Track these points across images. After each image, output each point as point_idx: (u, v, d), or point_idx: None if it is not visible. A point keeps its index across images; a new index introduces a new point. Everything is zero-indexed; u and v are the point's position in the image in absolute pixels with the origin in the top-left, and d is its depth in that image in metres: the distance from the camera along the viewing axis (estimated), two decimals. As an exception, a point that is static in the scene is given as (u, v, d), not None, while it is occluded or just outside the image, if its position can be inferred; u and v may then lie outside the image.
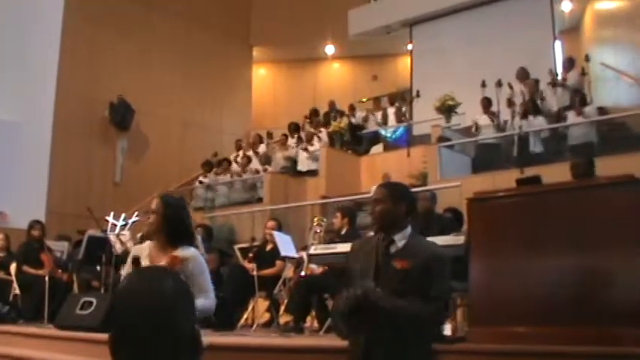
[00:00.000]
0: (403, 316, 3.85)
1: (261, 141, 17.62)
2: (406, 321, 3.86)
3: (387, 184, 4.39)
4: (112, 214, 9.88)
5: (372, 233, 4.26)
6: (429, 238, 5.57)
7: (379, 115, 17.26)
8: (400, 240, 4.06)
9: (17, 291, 11.02)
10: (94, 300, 8.69)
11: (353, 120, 17.21)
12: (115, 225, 9.71)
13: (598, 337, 4.93)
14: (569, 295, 5.23)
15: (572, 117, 12.09)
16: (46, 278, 10.73)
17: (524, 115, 12.72)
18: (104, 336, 4.60)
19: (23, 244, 11.51)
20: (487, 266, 5.69)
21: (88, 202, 13.00)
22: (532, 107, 12.83)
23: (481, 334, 5.45)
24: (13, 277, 11.11)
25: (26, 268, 11.15)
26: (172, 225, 4.68)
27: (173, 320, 4.05)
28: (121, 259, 8.87)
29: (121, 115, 17.25)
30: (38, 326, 9.70)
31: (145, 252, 4.74)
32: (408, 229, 4.12)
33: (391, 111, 17.04)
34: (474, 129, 13.90)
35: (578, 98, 12.16)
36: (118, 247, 9.46)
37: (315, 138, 16.22)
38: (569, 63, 14.21)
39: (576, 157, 8.37)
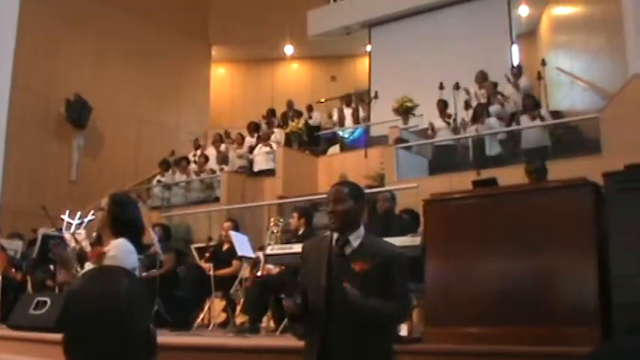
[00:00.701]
0: (378, 316, 3.86)
1: (221, 140, 17.56)
2: (377, 322, 3.87)
3: (345, 183, 4.33)
4: (67, 212, 9.80)
5: (328, 233, 4.23)
6: (388, 239, 5.60)
7: (336, 114, 17.28)
8: (355, 240, 4.02)
9: (-30, 290, 10.87)
10: (48, 300, 8.63)
11: (311, 121, 17.21)
12: (71, 223, 9.63)
13: (548, 337, 5.01)
14: (522, 296, 5.30)
15: (525, 121, 12.20)
16: (-1, 277, 10.62)
17: (477, 118, 12.80)
18: (58, 336, 4.56)
19: (-24, 243, 11.38)
20: (443, 267, 5.74)
21: (42, 200, 12.85)
22: (485, 110, 12.92)
23: (437, 334, 5.50)
24: (-34, 276, 10.97)
25: (-22, 268, 11.02)
26: (118, 222, 4.65)
27: (127, 320, 4.03)
28: (78, 258, 8.79)
29: (78, 113, 17.08)
30: (-9, 326, 9.58)
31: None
32: (362, 229, 4.08)
33: (349, 112, 17.08)
34: (429, 131, 13.98)
35: (531, 102, 12.26)
36: (73, 246, 9.38)
37: (273, 138, 16.19)
38: (518, 69, 14.34)
39: (530, 160, 8.44)
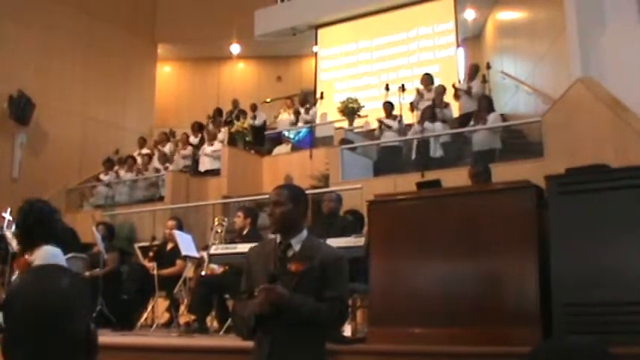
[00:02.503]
0: (306, 312, 3.87)
1: (167, 139, 17.47)
2: (306, 319, 3.89)
3: (286, 186, 4.36)
4: (9, 210, 9.68)
5: (272, 235, 4.25)
6: (331, 240, 5.63)
7: (281, 114, 17.29)
8: (297, 243, 4.05)
9: None
10: (-13, 299, 8.50)
11: (255, 121, 17.18)
12: (12, 222, 9.51)
13: (491, 337, 5.07)
14: (465, 297, 5.36)
15: (473, 123, 12.30)
16: (-63, 276, 10.45)
17: (423, 120, 12.89)
18: (-2, 336, 4.51)
19: None
20: (386, 268, 5.78)
21: (-17, 197, 12.71)
22: (431, 113, 13.01)
23: (380, 334, 5.54)
24: None
25: None
26: (23, 229, 4.66)
27: (67, 320, 3.98)
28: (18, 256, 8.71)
29: (21, 109, 16.85)
30: None
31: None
32: (304, 233, 4.11)
33: (294, 112, 17.08)
34: (377, 131, 14.03)
35: (485, 105, 12.36)
36: (14, 245, 9.27)
37: (218, 137, 16.14)
38: (474, 70, 14.46)
39: (473, 164, 8.54)
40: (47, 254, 4.52)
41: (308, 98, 17.69)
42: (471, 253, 5.44)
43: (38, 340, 3.88)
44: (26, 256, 4.54)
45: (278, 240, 4.10)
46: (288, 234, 4.06)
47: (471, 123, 12.36)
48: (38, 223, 4.69)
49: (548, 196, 5.29)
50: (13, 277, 4.56)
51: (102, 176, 17.07)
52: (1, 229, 9.72)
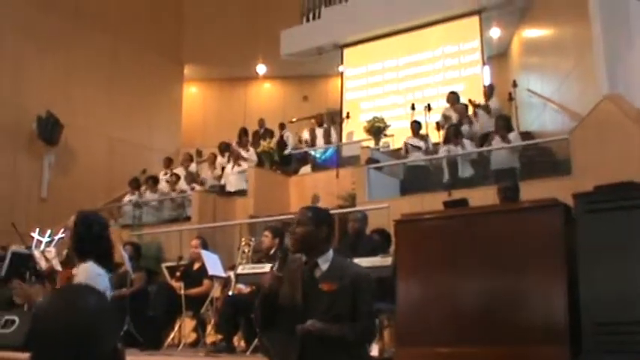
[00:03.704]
0: (332, 338, 3.88)
1: (191, 159, 17.52)
2: (334, 343, 3.89)
3: (311, 208, 4.41)
4: (37, 230, 9.74)
5: (299, 256, 4.27)
6: (358, 259, 5.61)
7: (307, 134, 17.28)
8: (324, 263, 4.09)
9: (-63, 308, 10.75)
10: (16, 318, 8.54)
11: (288, 139, 17.21)
12: (41, 241, 9.57)
13: (518, 357, 5.02)
14: (492, 316, 5.32)
15: (496, 142, 12.24)
16: (-33, 295, 10.52)
17: (450, 139, 12.84)
18: (26, 355, 4.53)
19: (-56, 260, 11.26)
20: (413, 287, 5.75)
21: (12, 217, 12.78)
22: (456, 132, 12.96)
23: (407, 354, 5.50)
24: None
25: (-53, 285, 10.91)
26: (83, 242, 4.67)
27: (95, 338, 3.99)
28: (47, 275, 8.75)
29: (49, 130, 16.98)
30: (-42, 344, 9.48)
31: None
32: (330, 253, 4.15)
33: (320, 132, 17.08)
34: (403, 151, 14.00)
35: (503, 123, 12.31)
36: (43, 264, 9.31)
37: (243, 157, 16.16)
38: (490, 90, 14.42)
39: (501, 181, 8.48)
40: (90, 272, 4.53)
41: (334, 118, 17.70)
42: (498, 272, 5.40)
43: (65, 358, 3.89)
44: (72, 270, 4.56)
45: (304, 259, 4.11)
46: (311, 254, 4.08)
47: (489, 141, 12.33)
48: (89, 236, 4.72)
49: (576, 214, 5.25)
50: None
51: (128, 196, 17.13)
52: (29, 248, 9.76)
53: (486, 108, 13.74)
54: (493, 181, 10.88)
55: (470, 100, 14.05)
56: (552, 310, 5.12)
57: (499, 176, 11.14)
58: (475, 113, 13.76)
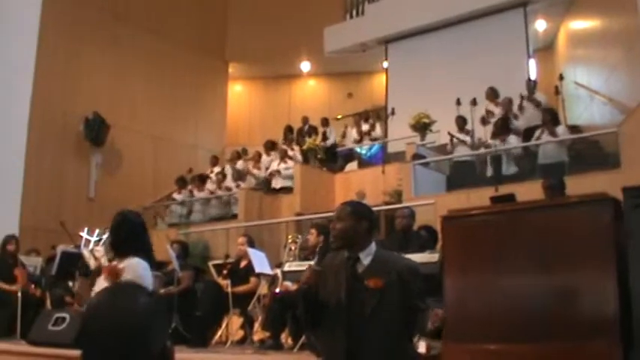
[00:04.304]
0: (381, 335, 3.88)
1: (238, 157, 17.60)
2: (382, 340, 3.88)
3: (349, 202, 4.37)
4: (85, 229, 9.82)
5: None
6: (406, 255, 5.58)
7: (353, 131, 17.25)
8: (366, 258, 4.06)
9: (-10, 306, 10.94)
10: (66, 316, 8.65)
11: (328, 140, 17.22)
12: (89, 240, 9.65)
13: (568, 353, 4.96)
14: (541, 312, 5.26)
15: (543, 136, 12.10)
16: (19, 294, 10.68)
17: (496, 134, 12.74)
18: (76, 352, 4.57)
19: (-4, 259, 11.45)
20: (460, 284, 5.71)
21: (61, 217, 12.91)
22: (504, 126, 12.84)
23: (455, 351, 5.46)
24: (-14, 293, 11.03)
25: (-1, 283, 11.10)
26: (120, 240, 4.72)
27: (144, 336, 4.03)
28: (96, 274, 8.84)
29: (96, 131, 17.17)
30: (10, 342, 9.64)
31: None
32: (373, 247, 4.11)
33: (366, 128, 17.05)
34: (450, 143, 13.91)
35: (550, 117, 12.16)
36: (92, 263, 9.38)
37: (289, 155, 16.20)
38: (533, 84, 14.24)
39: (547, 176, 8.40)
40: (138, 268, 4.57)
41: (379, 114, 17.66)
42: (546, 268, 5.34)
43: (116, 356, 3.93)
44: (116, 265, 4.60)
45: (346, 254, 4.10)
46: (353, 249, 4.06)
47: (536, 135, 12.18)
48: (131, 235, 4.77)
49: (625, 209, 5.17)
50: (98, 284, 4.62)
51: (175, 195, 17.25)
52: (78, 247, 9.86)
53: (534, 101, 13.55)
54: (540, 175, 10.77)
55: (521, 95, 13.87)
56: (602, 306, 5.05)
57: (547, 171, 11.02)
58: (521, 107, 13.59)
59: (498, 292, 5.54)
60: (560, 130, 11.99)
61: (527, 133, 12.99)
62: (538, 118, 12.93)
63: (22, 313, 10.50)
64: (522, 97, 13.62)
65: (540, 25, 17.93)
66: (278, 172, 15.96)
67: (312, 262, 7.70)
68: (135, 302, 4.13)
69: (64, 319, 8.65)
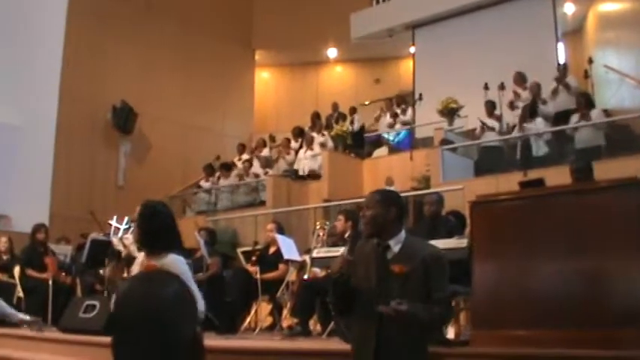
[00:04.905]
0: (410, 321, 3.87)
1: (264, 145, 17.62)
2: (412, 327, 3.88)
3: (378, 190, 4.40)
4: (115, 217, 9.89)
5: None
6: (435, 242, 5.57)
7: (388, 117, 17.18)
8: (395, 245, 4.07)
9: (21, 294, 11.06)
10: (97, 303, 8.72)
11: (353, 126, 17.21)
12: (118, 228, 9.72)
13: (599, 340, 4.92)
14: (571, 299, 5.22)
15: (576, 120, 12.01)
16: (50, 281, 10.79)
17: (524, 118, 12.66)
18: (107, 339, 4.60)
19: (27, 248, 11.60)
20: (489, 269, 5.68)
21: (90, 205, 13.03)
22: (532, 111, 12.75)
23: (484, 337, 5.44)
24: (17, 280, 11.16)
25: (30, 272, 11.24)
26: (147, 233, 4.69)
27: (174, 324, 4.05)
28: (125, 262, 8.91)
29: (124, 119, 17.27)
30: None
31: (140, 259, 4.78)
32: (402, 234, 4.12)
33: (393, 114, 16.99)
34: (479, 129, 13.83)
35: (584, 101, 12.08)
36: (122, 251, 9.46)
37: (317, 141, 16.19)
38: (565, 68, 14.10)
39: (574, 160, 8.34)
40: (179, 266, 4.57)
41: (406, 99, 17.61)
42: (576, 253, 5.30)
43: (146, 342, 3.96)
44: (154, 263, 4.60)
45: (376, 241, 4.10)
46: (382, 236, 4.07)
47: (574, 120, 12.09)
48: (163, 228, 4.75)
49: (656, 193, 5.12)
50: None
51: (203, 182, 17.31)
52: (108, 235, 9.93)
53: (566, 85, 13.44)
54: (571, 159, 10.71)
55: (556, 78, 13.74)
56: (633, 292, 5.00)
57: (580, 155, 10.94)
58: (556, 91, 13.48)
59: (527, 278, 5.51)
60: (595, 113, 11.90)
61: (560, 117, 12.90)
62: (569, 102, 12.84)
63: (52, 300, 10.62)
64: (558, 81, 13.52)
65: (569, 8, 17.76)
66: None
67: (341, 249, 7.71)
68: (165, 288, 4.14)
69: (94, 306, 8.72)
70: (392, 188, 11.24)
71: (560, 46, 17.30)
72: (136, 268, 4.82)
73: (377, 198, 4.19)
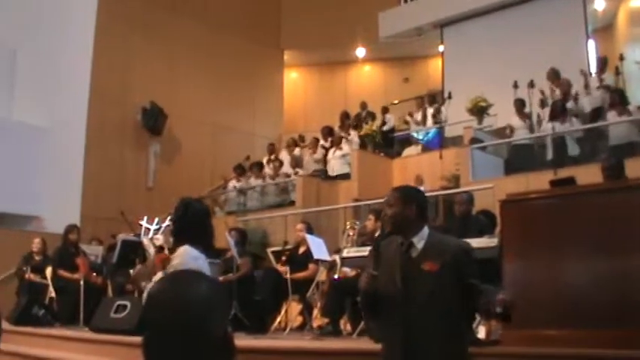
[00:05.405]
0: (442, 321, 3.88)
1: (295, 144, 17.63)
2: (440, 328, 3.87)
3: (398, 188, 4.36)
4: (145, 218, 9.95)
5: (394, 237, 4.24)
6: (466, 240, 5.55)
7: (419, 115, 17.13)
8: (419, 242, 4.03)
9: (53, 294, 11.19)
10: (127, 303, 8.78)
11: (385, 127, 17.19)
12: (149, 229, 9.77)
13: (630, 340, 4.89)
14: (602, 298, 5.19)
15: (612, 117, 11.91)
16: (81, 282, 10.87)
17: (555, 116, 12.57)
18: (138, 339, 4.63)
19: (59, 248, 11.71)
20: (520, 268, 5.67)
21: (121, 206, 13.09)
22: (562, 108, 12.66)
23: (515, 337, 5.42)
24: (49, 281, 11.28)
25: (61, 272, 11.35)
26: (182, 227, 4.76)
27: (205, 323, 4.05)
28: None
29: (154, 120, 17.35)
30: (74, 329, 9.83)
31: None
32: (425, 230, 4.09)
33: (422, 113, 16.95)
34: (508, 131, 13.79)
35: (618, 97, 11.98)
36: (151, 251, 9.50)
37: (345, 141, 16.17)
38: (603, 63, 13.99)
39: (607, 158, 8.27)
40: (186, 257, 4.61)
41: (436, 98, 17.56)
42: (607, 252, 5.26)
43: (177, 342, 3.97)
44: (167, 254, 4.66)
45: (399, 240, 4.09)
46: (405, 234, 4.05)
47: (610, 116, 11.99)
48: (193, 223, 4.81)
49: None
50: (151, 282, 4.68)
51: (233, 183, 17.35)
52: (138, 236, 9.99)
53: (601, 81, 13.32)
54: (602, 157, 10.62)
55: (589, 74, 13.61)
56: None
57: (615, 152, 10.84)
58: (587, 85, 13.37)
59: (558, 277, 5.48)
60: (631, 109, 11.80)
61: (594, 114, 12.81)
62: (603, 99, 12.73)
63: (84, 301, 10.70)
64: (590, 75, 13.41)
65: (599, 4, 17.63)
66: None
67: (369, 248, 7.71)
68: (196, 288, 4.15)
69: (125, 306, 8.79)
70: (421, 187, 11.21)
71: (591, 42, 17.17)
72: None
73: (396, 195, 4.16)
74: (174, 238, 4.83)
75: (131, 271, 10.54)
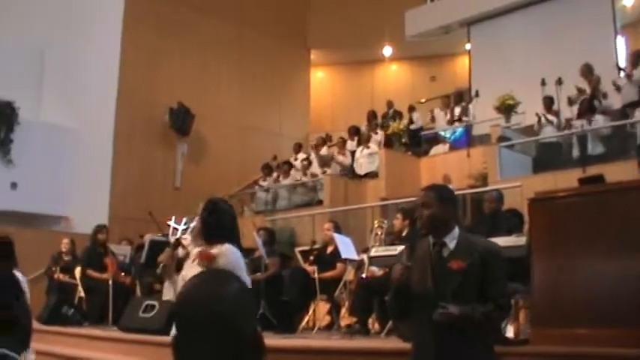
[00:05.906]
0: (477, 322, 3.85)
1: (323, 143, 17.62)
2: (470, 328, 3.86)
3: (432, 187, 4.35)
4: (173, 218, 9.97)
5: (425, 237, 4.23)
6: (494, 239, 5.53)
7: (448, 113, 17.05)
8: (451, 241, 4.04)
9: (82, 294, 11.28)
10: (156, 303, 8.83)
11: (413, 125, 17.16)
12: (177, 229, 9.79)
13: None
14: (632, 297, 5.14)
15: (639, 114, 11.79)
16: (110, 282, 10.95)
17: (582, 114, 12.46)
18: (167, 338, 4.65)
19: (88, 249, 11.81)
20: (549, 267, 5.63)
21: (149, 206, 13.13)
22: (590, 106, 12.54)
23: (543, 336, 5.40)
24: (78, 281, 11.36)
25: (90, 272, 11.44)
26: (209, 228, 4.80)
27: (235, 322, 4.07)
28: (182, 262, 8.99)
29: (181, 120, 17.39)
30: (102, 329, 9.91)
31: (194, 251, 4.90)
32: (456, 230, 4.09)
33: (450, 112, 16.88)
34: (536, 126, 13.68)
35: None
36: (179, 251, 9.52)
37: (373, 140, 16.16)
38: (636, 57, 13.79)
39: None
40: (231, 255, 4.65)
41: (463, 97, 17.49)
42: (637, 251, 5.22)
43: (207, 342, 3.98)
44: (209, 250, 4.70)
45: (432, 240, 4.08)
46: (438, 234, 4.05)
47: (636, 114, 11.88)
48: (221, 223, 4.85)
49: None
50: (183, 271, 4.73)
51: (261, 182, 17.37)
52: (166, 236, 10.02)
53: (629, 77, 13.17)
54: (634, 155, 10.52)
55: (621, 69, 13.48)
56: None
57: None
58: (616, 84, 13.20)
59: (587, 276, 5.45)
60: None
61: (625, 111, 12.67)
62: (633, 94, 12.60)
63: (113, 300, 10.80)
64: (623, 71, 13.28)
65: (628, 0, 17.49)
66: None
67: (399, 248, 7.70)
68: (227, 288, 4.17)
69: (153, 306, 8.84)
70: (449, 186, 11.18)
71: (620, 39, 17.03)
72: (189, 268, 4.91)
73: (433, 195, 4.15)
74: (206, 237, 4.86)
75: (159, 271, 10.59)
